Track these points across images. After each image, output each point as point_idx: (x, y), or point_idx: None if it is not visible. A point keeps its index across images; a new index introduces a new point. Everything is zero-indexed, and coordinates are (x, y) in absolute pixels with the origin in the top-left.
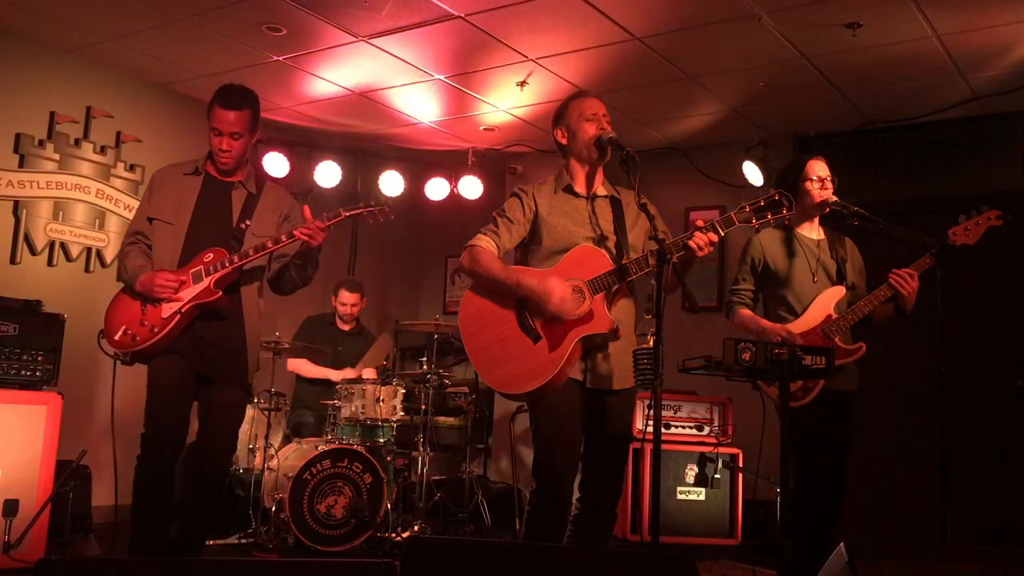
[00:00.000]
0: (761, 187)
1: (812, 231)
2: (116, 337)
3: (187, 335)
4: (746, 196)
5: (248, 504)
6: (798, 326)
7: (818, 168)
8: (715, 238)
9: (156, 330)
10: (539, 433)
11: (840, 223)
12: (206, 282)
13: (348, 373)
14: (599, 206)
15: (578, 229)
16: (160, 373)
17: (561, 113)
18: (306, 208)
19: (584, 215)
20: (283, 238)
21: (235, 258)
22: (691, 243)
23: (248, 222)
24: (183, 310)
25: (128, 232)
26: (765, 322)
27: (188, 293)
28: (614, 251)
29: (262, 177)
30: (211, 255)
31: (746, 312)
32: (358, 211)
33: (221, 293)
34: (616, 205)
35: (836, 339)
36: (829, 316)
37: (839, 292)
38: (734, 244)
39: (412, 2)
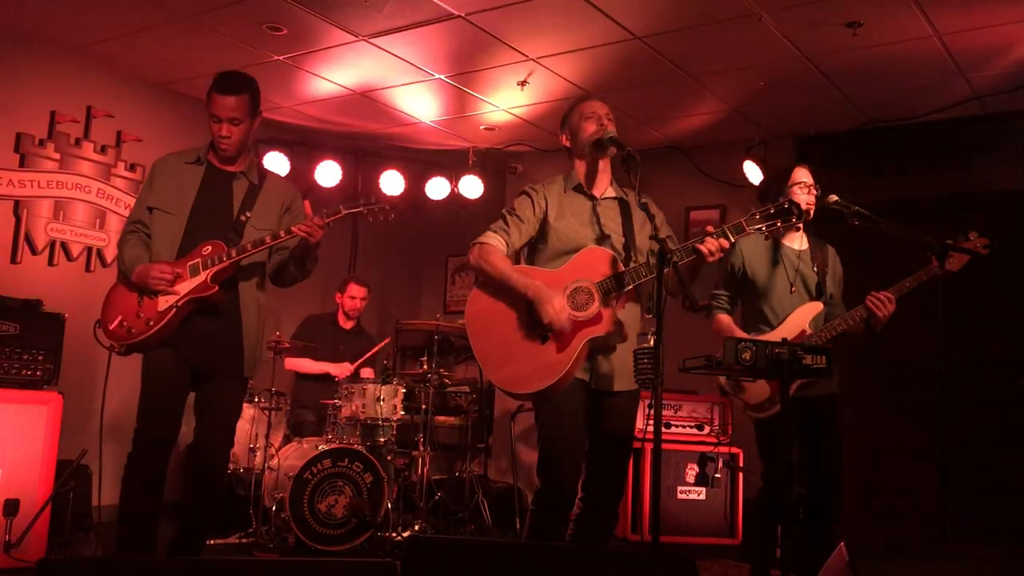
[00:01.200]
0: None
1: (795, 240)
2: (112, 328)
3: (184, 329)
4: (746, 195)
5: (248, 504)
6: (771, 338)
7: (802, 175)
8: (726, 244)
9: (152, 323)
10: (545, 432)
11: (840, 224)
12: (203, 276)
13: (346, 367)
14: (606, 207)
15: (585, 229)
16: (154, 365)
17: (566, 117)
18: (307, 204)
19: (591, 215)
20: (282, 234)
21: (233, 252)
22: (702, 248)
23: (249, 214)
24: (179, 304)
25: (128, 220)
26: (741, 333)
27: (184, 287)
28: (622, 252)
29: (264, 168)
30: (209, 248)
31: (724, 318)
32: (358, 209)
33: (218, 288)
34: (624, 207)
35: None
36: (803, 331)
37: (815, 308)
38: None
39: (412, 1)
